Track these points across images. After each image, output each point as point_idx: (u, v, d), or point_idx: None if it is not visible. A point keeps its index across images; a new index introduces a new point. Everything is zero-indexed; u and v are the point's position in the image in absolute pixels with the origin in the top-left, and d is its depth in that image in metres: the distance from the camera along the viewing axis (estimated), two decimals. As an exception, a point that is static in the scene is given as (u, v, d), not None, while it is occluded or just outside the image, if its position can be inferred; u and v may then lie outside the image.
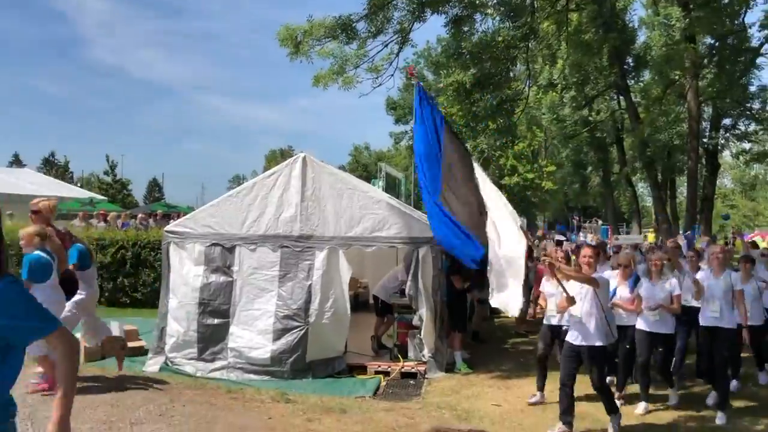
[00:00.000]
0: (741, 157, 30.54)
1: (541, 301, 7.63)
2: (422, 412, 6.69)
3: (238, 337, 8.50)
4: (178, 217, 21.87)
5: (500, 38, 15.35)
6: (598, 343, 6.20)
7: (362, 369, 8.71)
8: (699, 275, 7.56)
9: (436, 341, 8.73)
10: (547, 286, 7.56)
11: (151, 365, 8.59)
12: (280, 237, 8.64)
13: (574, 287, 6.27)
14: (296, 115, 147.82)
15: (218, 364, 8.51)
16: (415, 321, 8.87)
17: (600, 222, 48.44)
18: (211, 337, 8.56)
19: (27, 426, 4.57)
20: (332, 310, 8.49)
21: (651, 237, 32.15)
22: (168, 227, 9.26)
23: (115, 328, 9.34)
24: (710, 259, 7.68)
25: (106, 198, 31.49)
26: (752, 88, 26.41)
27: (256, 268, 8.62)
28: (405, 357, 8.94)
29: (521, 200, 42.20)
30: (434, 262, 8.70)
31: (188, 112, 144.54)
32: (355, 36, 13.78)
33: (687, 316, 7.74)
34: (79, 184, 43.88)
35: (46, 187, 27.98)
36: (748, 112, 27.56)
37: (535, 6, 15.89)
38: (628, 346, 7.48)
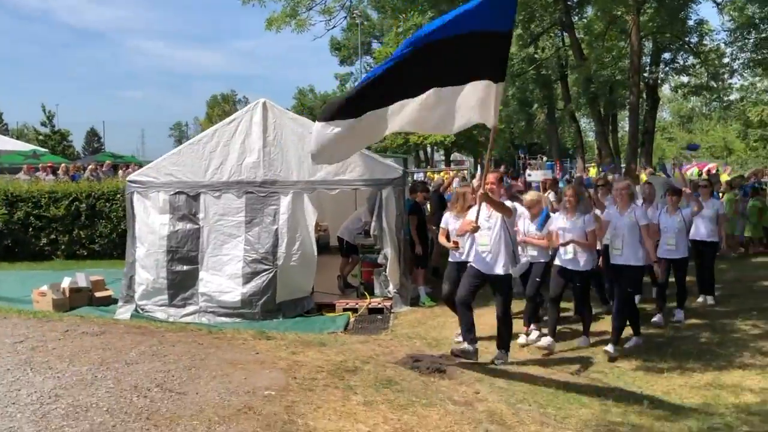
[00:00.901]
0: (679, 91, 31.52)
1: (441, 239, 7.49)
2: (395, 342, 7.09)
3: (208, 282, 8.69)
4: (127, 167, 21.52)
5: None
6: (504, 272, 6.29)
7: (330, 307, 9.05)
8: (605, 212, 7.43)
9: (400, 277, 9.12)
10: (452, 222, 7.42)
11: (122, 313, 8.74)
12: (243, 183, 8.76)
13: (480, 217, 6.18)
14: (237, 58, 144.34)
15: (189, 309, 8.73)
16: (380, 259, 9.21)
17: (545, 158, 49.53)
18: (181, 284, 8.74)
19: (27, 370, 4.71)
20: (299, 252, 8.74)
21: (593, 171, 33.16)
22: (131, 176, 9.26)
23: (81, 279, 9.40)
24: (615, 195, 7.37)
25: (47, 150, 30.40)
26: (690, 23, 27.08)
27: (222, 214, 8.76)
28: (371, 294, 9.33)
29: (468, 139, 42.70)
30: (397, 202, 8.98)
31: (124, 58, 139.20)
32: (307, -24, 13.60)
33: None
34: (15, 137, 42.06)
35: (-17, 141, 26.88)
36: (686, 46, 28.33)
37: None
38: (538, 279, 7.45)
